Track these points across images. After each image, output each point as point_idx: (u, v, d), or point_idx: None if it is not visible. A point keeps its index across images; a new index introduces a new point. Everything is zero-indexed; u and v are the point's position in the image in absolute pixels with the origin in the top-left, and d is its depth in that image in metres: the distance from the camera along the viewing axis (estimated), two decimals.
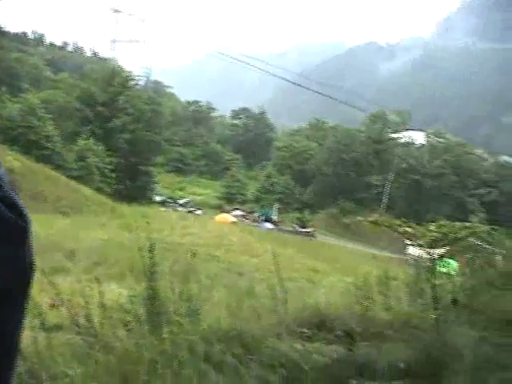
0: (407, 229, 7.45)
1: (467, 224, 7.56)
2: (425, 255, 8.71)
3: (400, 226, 7.52)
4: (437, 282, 8.60)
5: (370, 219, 7.81)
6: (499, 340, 7.65)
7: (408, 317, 8.06)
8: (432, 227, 7.47)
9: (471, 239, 9.17)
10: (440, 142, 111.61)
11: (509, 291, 9.48)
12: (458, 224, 7.43)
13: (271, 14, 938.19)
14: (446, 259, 14.92)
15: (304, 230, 77.61)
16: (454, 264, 13.36)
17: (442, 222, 7.46)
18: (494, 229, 8.78)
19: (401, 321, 7.94)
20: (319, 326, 7.70)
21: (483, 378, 6.46)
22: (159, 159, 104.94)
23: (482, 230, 8.11)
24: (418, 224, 8.66)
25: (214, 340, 6.55)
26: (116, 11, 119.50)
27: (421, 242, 7.55)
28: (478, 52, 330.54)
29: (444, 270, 14.26)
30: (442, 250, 13.94)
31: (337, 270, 30.77)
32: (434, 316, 7.40)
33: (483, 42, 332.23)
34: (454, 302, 8.59)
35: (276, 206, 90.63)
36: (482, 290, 9.68)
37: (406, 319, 7.96)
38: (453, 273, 12.34)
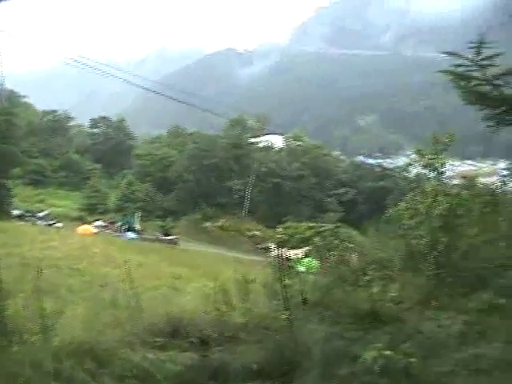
0: (256, 232, 7.57)
1: (311, 224, 7.81)
2: (286, 256, 8.88)
3: (249, 230, 7.63)
4: (290, 282, 8.80)
5: (218, 224, 7.87)
6: (350, 334, 7.93)
7: (261, 318, 8.18)
8: (279, 229, 7.65)
9: (317, 239, 9.45)
10: (298, 145, 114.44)
11: (360, 287, 9.85)
12: (303, 225, 7.68)
13: (129, 20, 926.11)
14: (306, 258, 15.29)
15: (167, 237, 77.15)
16: (313, 262, 13.72)
17: (288, 224, 7.67)
18: (338, 226, 9.10)
19: (254, 323, 8.05)
20: (173, 333, 7.68)
21: (333, 372, 6.64)
22: (16, 171, 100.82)
23: (328, 228, 8.39)
24: (272, 227, 8.84)
25: (64, 356, 6.38)
26: None
27: (270, 245, 7.71)
28: (330, 57, 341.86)
29: (303, 268, 14.65)
30: (304, 250, 14.21)
31: (199, 275, 30.79)
32: (285, 316, 7.55)
33: (334, 47, 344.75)
34: (304, 300, 8.83)
35: (138, 214, 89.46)
36: (335, 286, 10.01)
37: (259, 321, 8.08)
38: (312, 271, 12.70)
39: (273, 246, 7.85)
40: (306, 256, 15.62)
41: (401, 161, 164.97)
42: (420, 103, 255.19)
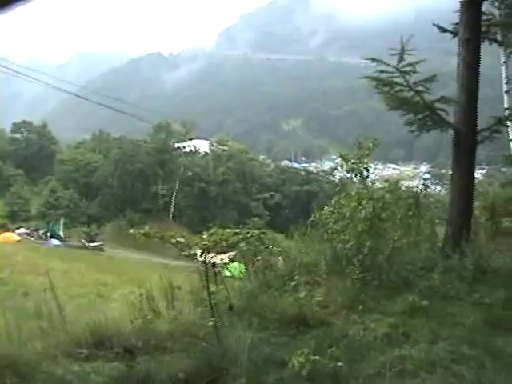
0: (180, 239, 7.49)
1: (237, 230, 7.76)
2: (212, 261, 8.80)
3: (172, 236, 7.54)
4: (216, 288, 8.73)
5: (142, 231, 7.74)
6: (277, 339, 7.92)
7: (188, 326, 8.09)
8: (204, 236, 7.58)
9: (242, 244, 9.41)
10: (224, 150, 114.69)
11: (286, 292, 9.86)
12: (228, 231, 7.60)
13: (51, 22, 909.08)
14: (233, 263, 15.24)
15: (92, 244, 76.16)
16: (240, 267, 13.67)
17: (213, 230, 7.60)
18: (263, 233, 9.09)
19: (180, 331, 7.95)
20: (98, 344, 7.50)
21: (261, 378, 6.61)
22: None
23: (253, 234, 8.37)
24: (199, 232, 8.75)
25: None
26: None
27: (195, 250, 7.63)
28: (256, 62, 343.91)
29: (229, 274, 14.57)
30: (230, 255, 14.20)
31: (126, 282, 30.49)
32: (211, 323, 7.48)
33: (261, 52, 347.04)
34: (230, 307, 8.77)
35: (62, 221, 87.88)
36: (262, 292, 10.00)
37: (186, 329, 7.99)
38: (240, 276, 12.64)
39: (198, 251, 7.74)
40: (233, 261, 15.55)
41: (326, 165, 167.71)
42: (344, 108, 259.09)
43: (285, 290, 9.99)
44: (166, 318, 8.76)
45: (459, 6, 12.24)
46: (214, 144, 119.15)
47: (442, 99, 12.08)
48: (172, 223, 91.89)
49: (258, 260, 11.94)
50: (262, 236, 8.74)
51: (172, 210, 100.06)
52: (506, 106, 20.65)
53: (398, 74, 11.69)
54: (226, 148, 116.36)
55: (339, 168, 12.89)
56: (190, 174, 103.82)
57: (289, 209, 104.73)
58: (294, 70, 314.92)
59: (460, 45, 12.11)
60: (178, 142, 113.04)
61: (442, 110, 12.18)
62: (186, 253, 7.66)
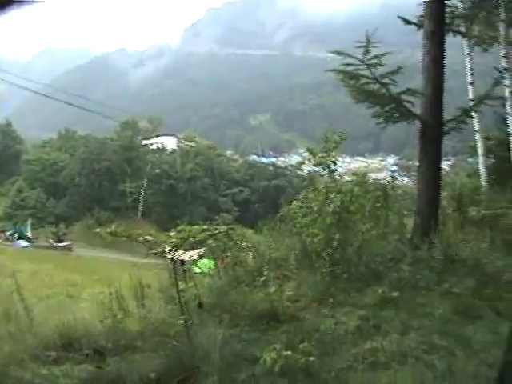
0: (147, 237, 7.40)
1: (205, 227, 7.69)
2: (181, 258, 8.74)
3: (140, 235, 7.46)
4: (185, 286, 8.67)
5: (109, 230, 7.63)
6: (248, 336, 7.89)
7: (158, 325, 8.02)
8: (172, 233, 7.50)
9: (210, 241, 9.38)
10: (191, 147, 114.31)
11: (256, 287, 9.83)
12: (196, 228, 7.53)
13: (14, 19, 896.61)
14: (202, 260, 15.16)
15: (61, 244, 75.32)
16: (209, 264, 13.62)
17: (181, 227, 7.52)
18: (232, 229, 9.05)
19: (150, 330, 7.88)
20: (67, 345, 7.39)
21: (233, 375, 6.57)
22: None
23: (221, 230, 8.32)
24: (168, 229, 8.68)
25: None
26: None
27: (165, 248, 7.54)
28: (222, 58, 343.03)
29: (199, 270, 14.50)
30: (199, 251, 14.13)
31: (95, 281, 30.26)
32: (181, 321, 7.41)
33: (227, 48, 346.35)
34: (200, 304, 8.72)
35: (29, 221, 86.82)
36: (231, 288, 9.95)
37: (156, 327, 7.92)
38: (209, 272, 12.58)
39: (167, 249, 7.64)
40: (202, 257, 15.49)
41: (293, 159, 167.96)
42: (310, 102, 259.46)
43: (255, 285, 9.95)
44: (135, 316, 8.68)
45: None
46: (182, 140, 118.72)
47: (409, 91, 12.15)
48: (141, 221, 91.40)
49: (227, 256, 11.92)
50: (230, 232, 8.70)
51: (140, 207, 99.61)
52: (470, 96, 20.86)
53: (364, 67, 11.73)
54: (193, 144, 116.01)
55: (307, 162, 12.90)
56: (157, 171, 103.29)
57: (258, 204, 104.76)
58: (260, 65, 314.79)
59: (425, 37, 12.17)
60: (145, 139, 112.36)
61: (408, 101, 12.26)
62: (154, 251, 7.58)
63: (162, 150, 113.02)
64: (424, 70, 12.23)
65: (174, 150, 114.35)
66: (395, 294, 8.95)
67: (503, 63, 21.15)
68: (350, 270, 9.87)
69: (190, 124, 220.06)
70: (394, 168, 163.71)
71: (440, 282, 9.56)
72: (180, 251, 7.80)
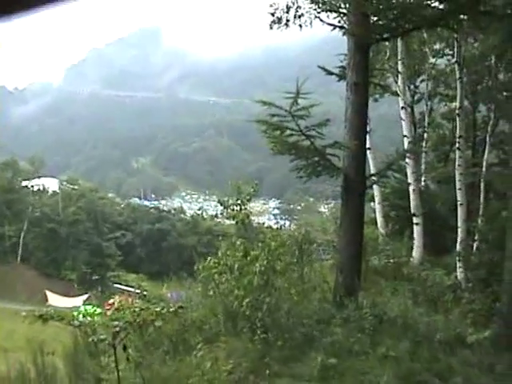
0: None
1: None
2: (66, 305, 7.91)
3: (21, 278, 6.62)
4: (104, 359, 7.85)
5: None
6: None
7: None
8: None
9: None
10: (73, 189, 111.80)
11: (179, 356, 9.08)
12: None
13: None
14: (87, 306, 14.25)
15: None
16: (94, 310, 12.82)
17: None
18: (181, 307, 8.36)
19: None
20: None
21: None
22: None
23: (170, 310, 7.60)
24: (49, 274, 7.88)
25: None
26: None
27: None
28: (105, 98, 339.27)
29: (81, 318, 13.49)
30: (83, 298, 13.25)
31: None
32: None
33: (111, 89, 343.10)
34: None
35: None
36: (153, 358, 9.09)
37: None
38: (94, 318, 11.62)
39: (49, 293, 6.84)
40: (87, 304, 14.60)
41: (175, 202, 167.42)
42: (193, 145, 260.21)
43: (177, 352, 9.15)
44: None
45: (347, 49, 12.11)
46: (64, 183, 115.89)
47: (336, 144, 11.84)
48: (20, 265, 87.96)
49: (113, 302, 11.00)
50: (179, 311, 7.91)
51: (20, 251, 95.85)
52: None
53: (289, 118, 11.30)
54: (75, 187, 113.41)
55: (220, 215, 12.44)
56: (38, 213, 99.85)
57: (141, 247, 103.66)
58: (143, 106, 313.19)
59: (348, 89, 11.94)
60: (25, 180, 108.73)
61: (333, 155, 11.94)
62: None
63: (43, 191, 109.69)
64: (347, 123, 12.00)
65: (55, 192, 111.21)
66: (333, 360, 8.46)
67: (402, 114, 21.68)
68: (284, 336, 9.20)
69: (70, 165, 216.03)
70: (276, 212, 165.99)
71: (374, 345, 9.22)
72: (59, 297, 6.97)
